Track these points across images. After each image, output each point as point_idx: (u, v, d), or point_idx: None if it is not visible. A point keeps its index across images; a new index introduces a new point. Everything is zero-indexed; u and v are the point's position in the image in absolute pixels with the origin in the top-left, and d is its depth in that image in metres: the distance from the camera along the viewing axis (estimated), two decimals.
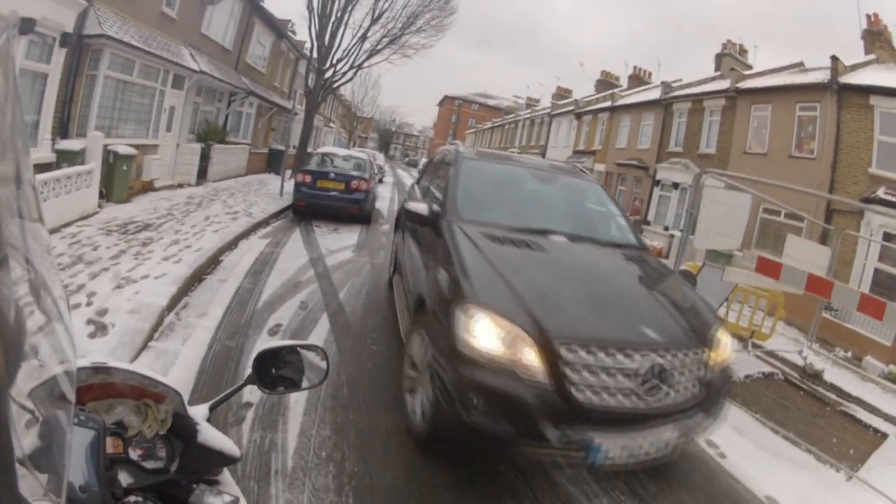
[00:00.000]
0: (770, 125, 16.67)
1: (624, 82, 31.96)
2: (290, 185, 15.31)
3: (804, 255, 8.79)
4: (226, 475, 1.46)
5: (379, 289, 7.92)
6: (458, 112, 76.40)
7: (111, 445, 1.19)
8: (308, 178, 13.01)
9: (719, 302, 7.84)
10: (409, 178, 42.49)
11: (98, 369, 1.24)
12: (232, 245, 9.07)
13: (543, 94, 45.43)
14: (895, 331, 10.64)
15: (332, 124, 43.96)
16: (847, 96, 14.19)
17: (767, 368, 8.09)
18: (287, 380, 1.58)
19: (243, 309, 6.12)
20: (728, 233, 7.60)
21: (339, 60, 21.15)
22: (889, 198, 12.16)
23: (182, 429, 1.33)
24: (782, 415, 6.36)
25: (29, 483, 0.62)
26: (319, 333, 5.71)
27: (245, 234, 10.02)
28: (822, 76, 15.04)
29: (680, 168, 20.31)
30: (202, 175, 15.73)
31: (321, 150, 16.25)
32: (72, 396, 0.76)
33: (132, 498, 1.16)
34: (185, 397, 1.33)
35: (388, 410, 4.30)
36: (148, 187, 12.53)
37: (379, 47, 21.58)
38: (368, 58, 21.86)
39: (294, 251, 9.49)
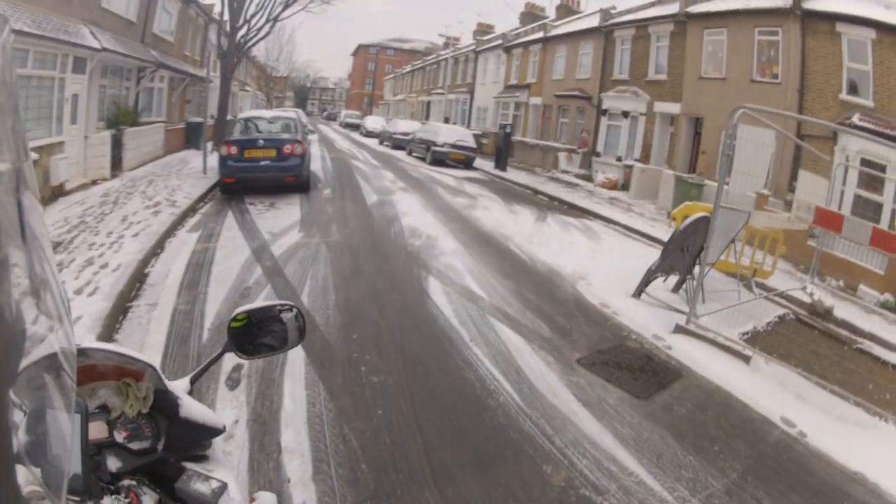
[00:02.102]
0: (727, 49, 15.86)
1: (550, 13, 30.55)
2: (213, 160, 13.41)
3: (815, 189, 8.32)
4: (214, 450, 1.42)
5: (348, 280, 6.54)
6: (374, 59, 73.30)
7: (97, 430, 1.16)
8: (234, 150, 11.23)
9: (726, 242, 7.25)
10: (332, 132, 40.25)
11: (77, 352, 1.08)
12: (157, 249, 7.35)
13: (463, 32, 43.47)
14: (887, 259, 10.31)
15: (247, 88, 40.94)
16: (812, 23, 13.69)
17: (779, 310, 7.68)
18: (267, 346, 1.56)
19: (185, 348, 4.59)
20: (754, 172, 6.72)
21: (252, 15, 19.26)
22: (865, 124, 11.69)
23: (164, 405, 1.30)
24: (817, 364, 5.93)
25: (30, 473, 0.60)
26: (293, 371, 4.28)
27: (171, 231, 8.26)
28: (781, 1, 14.34)
29: (629, 96, 19.30)
30: (117, 165, 13.49)
31: (243, 115, 14.29)
32: (72, 382, 0.76)
33: (126, 482, 1.14)
34: None
35: (436, 482, 3.08)
36: (58, 192, 10.34)
37: None
38: (285, 8, 19.99)
39: (231, 243, 7.88)
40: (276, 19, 20.20)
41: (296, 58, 60.92)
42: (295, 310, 1.60)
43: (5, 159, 0.66)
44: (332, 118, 66.80)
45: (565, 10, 28.64)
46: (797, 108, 13.52)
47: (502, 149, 21.34)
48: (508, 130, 21.97)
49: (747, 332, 6.50)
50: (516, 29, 30.91)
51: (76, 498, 0.95)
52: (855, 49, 12.83)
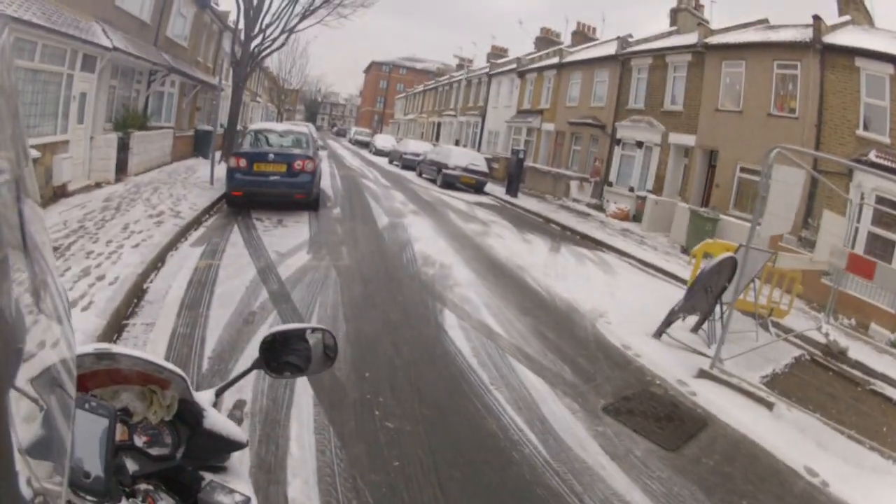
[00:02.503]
0: (745, 82, 15.76)
1: (565, 39, 30.59)
2: (221, 170, 13.17)
3: (837, 230, 8.19)
4: (233, 462, 1.41)
5: (359, 309, 6.21)
6: (387, 77, 73.67)
7: (117, 433, 1.10)
8: (243, 162, 10.94)
9: (748, 280, 6.99)
10: (341, 148, 40.17)
11: (102, 355, 1.21)
12: (158, 263, 7.06)
13: (476, 54, 43.66)
14: None
15: (259, 99, 40.90)
16: (831, 57, 13.63)
17: (795, 351, 7.55)
18: (293, 366, 1.55)
19: None
20: (782, 213, 6.49)
21: (268, 25, 19.08)
22: (881, 161, 11.63)
23: (188, 414, 1.30)
24: (833, 407, 5.93)
25: (29, 472, 0.61)
26: (300, 413, 3.93)
27: (173, 244, 7.98)
28: (801, 35, 14.34)
29: (644, 126, 19.15)
30: (122, 169, 13.23)
31: (254, 126, 14.00)
32: (72, 385, 0.77)
33: (142, 486, 1.14)
34: None
35: None
36: (60, 193, 10.05)
37: (313, 7, 19.48)
38: (301, 20, 19.77)
39: (236, 261, 7.57)
40: (291, 31, 20.07)
41: (308, 71, 61.21)
42: (329, 334, 1.60)
43: (5, 168, 0.66)
44: (341, 134, 66.89)
45: (581, 37, 28.71)
46: (814, 144, 13.40)
47: (514, 174, 21.08)
48: (521, 156, 21.72)
49: (766, 376, 6.36)
50: (531, 53, 30.88)
51: (94, 499, 0.95)
52: (873, 84, 12.78)
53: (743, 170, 15.29)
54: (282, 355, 1.54)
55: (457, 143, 34.31)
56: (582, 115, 22.92)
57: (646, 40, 21.33)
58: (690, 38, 18.16)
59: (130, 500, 1.08)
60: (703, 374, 5.86)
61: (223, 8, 24.43)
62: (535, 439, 4.01)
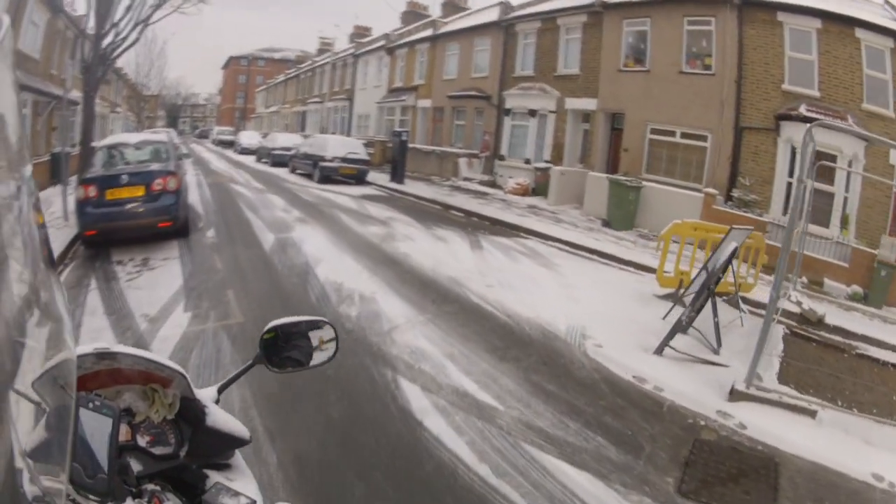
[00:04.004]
0: (651, 41, 14.93)
1: (434, 11, 29.11)
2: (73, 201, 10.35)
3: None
4: (237, 459, 1.38)
5: (281, 407, 4.16)
6: (246, 71, 70.79)
7: (120, 433, 1.10)
8: (92, 191, 8.39)
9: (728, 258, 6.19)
10: (206, 151, 36.49)
11: (103, 355, 1.19)
12: None
13: (339, 36, 41.60)
14: (850, 251, 10.37)
15: (118, 109, 36.48)
16: (750, 12, 13.20)
17: (778, 328, 7.00)
18: (294, 361, 1.51)
19: None
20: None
21: (120, 20, 16.54)
22: (812, 115, 11.30)
23: (190, 412, 1.27)
24: (844, 387, 5.71)
25: (31, 472, 0.61)
26: None
27: None
28: None
29: (536, 93, 18.08)
30: None
31: (104, 142, 11.04)
32: (72, 385, 0.77)
33: (149, 486, 1.13)
34: None
35: None
36: None
37: None
38: (156, 9, 17.44)
39: (96, 341, 5.25)
40: (146, 22, 17.50)
41: (167, 74, 56.81)
42: (329, 326, 1.55)
43: (27, 162, 0.68)
44: (204, 136, 62.22)
45: (452, 8, 27.39)
46: (735, 100, 12.97)
47: (399, 159, 19.33)
48: (404, 138, 19.83)
49: (778, 371, 5.73)
50: (399, 29, 29.27)
51: (98, 499, 0.93)
52: (798, 38, 12.45)
53: (654, 131, 14.61)
54: (283, 350, 1.48)
55: (323, 130, 32.27)
56: (463, 88, 21.64)
57: (531, 3, 20.28)
58: None
59: (136, 500, 1.05)
60: (736, 394, 4.96)
61: (79, 13, 21.72)
62: None
